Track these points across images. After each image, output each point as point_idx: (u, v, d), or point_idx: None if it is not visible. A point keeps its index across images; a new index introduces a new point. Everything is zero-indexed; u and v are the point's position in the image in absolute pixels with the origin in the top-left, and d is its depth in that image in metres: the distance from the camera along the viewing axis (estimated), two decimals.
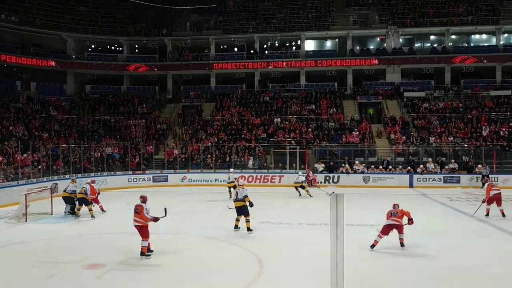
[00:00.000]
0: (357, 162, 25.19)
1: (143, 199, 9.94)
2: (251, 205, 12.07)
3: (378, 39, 36.08)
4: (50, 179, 20.78)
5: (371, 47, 35.98)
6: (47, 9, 34.84)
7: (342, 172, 24.41)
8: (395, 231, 10.20)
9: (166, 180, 24.85)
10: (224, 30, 35.88)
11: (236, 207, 12.10)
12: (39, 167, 21.68)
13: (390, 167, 24.58)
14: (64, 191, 15.36)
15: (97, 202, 15.47)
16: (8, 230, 13.00)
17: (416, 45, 35.69)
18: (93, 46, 36.46)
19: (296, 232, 12.57)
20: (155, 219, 9.77)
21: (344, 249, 5.41)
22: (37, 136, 26.19)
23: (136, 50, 37.32)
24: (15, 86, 32.34)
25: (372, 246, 10.14)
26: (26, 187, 17.11)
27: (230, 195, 18.31)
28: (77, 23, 35.26)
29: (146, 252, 9.63)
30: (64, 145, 25.39)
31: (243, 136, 28.45)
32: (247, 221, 11.98)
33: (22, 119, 27.82)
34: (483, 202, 14.22)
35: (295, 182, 20.07)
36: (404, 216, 10.27)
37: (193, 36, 36.04)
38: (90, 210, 14.71)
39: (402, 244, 10.23)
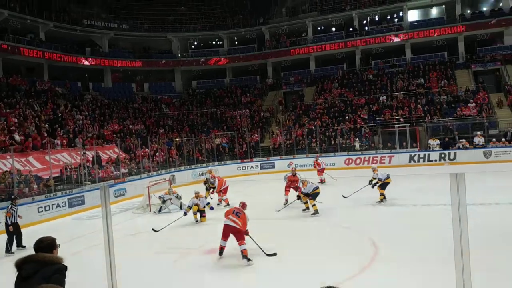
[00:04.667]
0: (478, 133, 23.17)
1: None
2: None
3: None
4: (168, 172, 22.40)
5: (484, 9, 32.64)
6: (152, 13, 37.26)
7: (459, 148, 22.68)
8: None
9: (273, 166, 25.30)
10: (321, 11, 35.19)
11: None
12: (157, 161, 23.46)
13: None
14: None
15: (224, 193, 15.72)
16: (136, 220, 14.30)
17: None
18: (195, 43, 38.23)
19: (411, 213, 12.01)
20: None
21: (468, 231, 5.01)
22: (153, 132, 28.33)
23: (236, 42, 38.33)
24: (131, 88, 35.29)
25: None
26: (148, 180, 18.62)
27: None
28: (180, 22, 37.21)
29: None
30: (177, 139, 27.18)
31: (347, 117, 27.80)
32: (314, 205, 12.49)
33: (140, 117, 30.26)
34: None
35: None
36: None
37: (290, 21, 35.90)
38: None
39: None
